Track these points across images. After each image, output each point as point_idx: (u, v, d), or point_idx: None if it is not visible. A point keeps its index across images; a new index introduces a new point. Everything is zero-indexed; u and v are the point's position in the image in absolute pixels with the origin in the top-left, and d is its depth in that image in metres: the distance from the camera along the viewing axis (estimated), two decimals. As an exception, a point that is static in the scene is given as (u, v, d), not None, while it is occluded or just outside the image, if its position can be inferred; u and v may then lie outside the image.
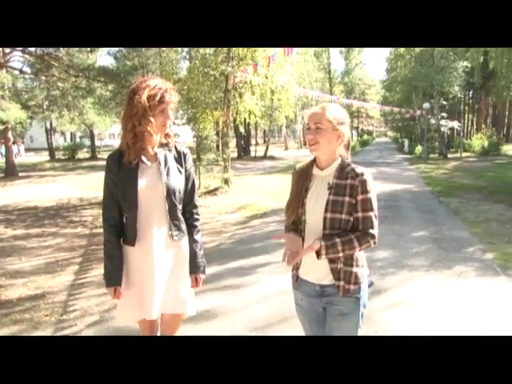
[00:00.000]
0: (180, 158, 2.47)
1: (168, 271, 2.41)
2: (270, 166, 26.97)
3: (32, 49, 11.57)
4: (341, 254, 2.04)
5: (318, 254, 2.03)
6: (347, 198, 2.05)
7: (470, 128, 48.68)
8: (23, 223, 9.85)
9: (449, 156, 29.65)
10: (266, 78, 12.16)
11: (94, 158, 36.10)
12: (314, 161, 2.22)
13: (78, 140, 44.89)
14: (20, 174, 22.07)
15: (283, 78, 12.50)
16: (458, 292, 4.71)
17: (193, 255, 2.51)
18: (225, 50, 12.36)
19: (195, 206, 2.58)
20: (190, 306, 2.53)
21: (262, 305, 4.29)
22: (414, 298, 4.51)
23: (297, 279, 2.26)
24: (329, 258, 2.05)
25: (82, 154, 38.65)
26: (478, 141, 32.68)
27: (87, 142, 42.08)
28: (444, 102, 32.17)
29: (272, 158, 34.73)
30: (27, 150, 49.07)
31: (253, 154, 36.33)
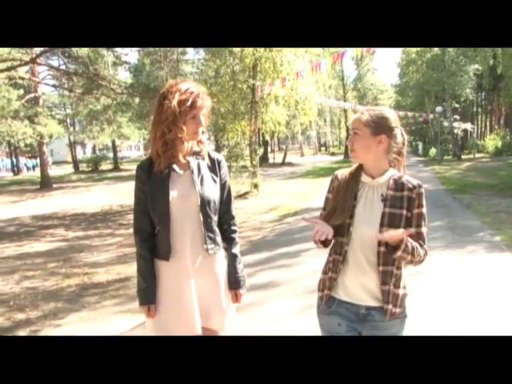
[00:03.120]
0: (214, 166, 2.30)
1: (204, 287, 2.24)
2: (289, 171, 28.08)
3: (75, 67, 12.79)
4: (409, 258, 1.88)
5: (397, 247, 1.84)
6: (404, 212, 1.91)
7: (483, 129, 49.02)
8: (79, 226, 11.02)
9: (462, 157, 30.28)
10: (292, 90, 13.33)
11: (116, 168, 37.15)
12: (360, 167, 2.04)
13: (98, 152, 46.26)
14: (54, 186, 23.50)
15: (306, 89, 13.68)
16: (469, 264, 5.78)
17: (232, 270, 2.34)
18: (251, 64, 13.53)
19: (232, 217, 2.40)
20: (230, 322, 2.33)
21: (312, 277, 5.30)
22: (433, 268, 5.54)
23: (329, 300, 2.03)
24: (401, 257, 1.87)
25: (106, 165, 39.87)
26: (492, 141, 33.18)
27: (107, 153, 43.52)
28: (456, 105, 32.93)
29: (290, 164, 35.84)
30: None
31: (271, 160, 37.39)
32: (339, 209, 1.96)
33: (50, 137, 18.50)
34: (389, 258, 1.91)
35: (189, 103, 2.12)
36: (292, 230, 8.88)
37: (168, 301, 2.23)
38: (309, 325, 3.89)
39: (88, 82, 10.59)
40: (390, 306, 1.93)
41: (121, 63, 22.81)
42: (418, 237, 1.93)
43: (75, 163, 39.13)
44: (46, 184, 22.79)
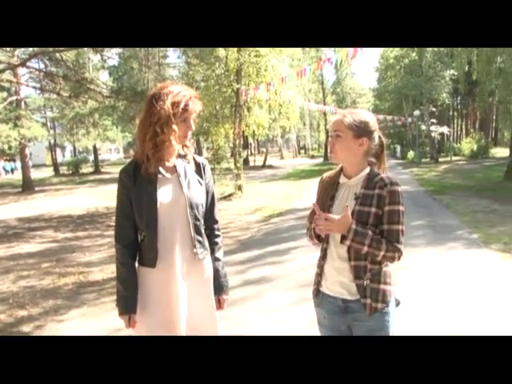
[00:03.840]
0: (199, 170, 2.28)
1: (194, 292, 2.20)
2: (270, 174, 28.43)
3: (62, 71, 12.88)
4: (365, 249, 1.90)
5: (344, 237, 1.92)
6: (373, 209, 1.95)
7: (459, 133, 50.01)
8: (67, 228, 11.08)
9: (440, 160, 30.84)
10: (276, 94, 13.64)
11: (97, 171, 36.94)
12: (341, 169, 2.12)
13: (78, 155, 45.76)
14: (36, 189, 23.24)
15: (290, 93, 14.02)
16: (449, 259, 6.13)
17: (216, 275, 2.31)
18: (235, 69, 13.80)
19: (216, 222, 2.38)
20: (216, 328, 2.30)
21: (303, 272, 5.60)
22: (416, 263, 5.90)
23: (317, 293, 2.14)
24: (352, 247, 1.94)
25: (86, 168, 39.53)
26: (468, 145, 33.75)
27: (87, 156, 43.17)
28: (433, 109, 33.57)
29: (271, 166, 36.17)
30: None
31: (251, 163, 37.62)
32: (319, 210, 2.00)
33: (36, 139, 18.45)
34: (360, 254, 1.95)
35: (182, 106, 2.09)
36: (279, 229, 9.18)
37: (156, 309, 2.16)
38: (303, 316, 4.19)
39: (76, 86, 10.70)
40: (369, 301, 1.96)
41: (105, 67, 22.92)
42: (389, 234, 1.95)
43: (55, 166, 38.72)
44: (28, 187, 22.61)
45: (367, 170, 2.05)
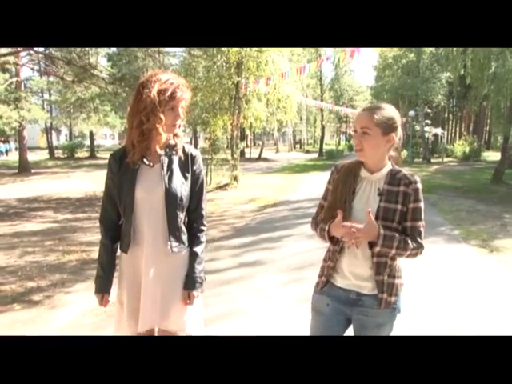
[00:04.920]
0: (187, 161, 2.23)
1: (163, 285, 2.18)
2: (265, 166, 28.80)
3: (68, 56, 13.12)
4: (393, 252, 1.91)
5: (373, 243, 1.90)
6: (399, 206, 1.94)
7: (453, 135, 50.33)
8: (67, 210, 11.37)
9: (432, 161, 31.31)
10: (275, 88, 14.01)
11: (92, 156, 36.98)
12: (360, 162, 2.06)
13: (74, 139, 45.73)
14: (32, 171, 23.34)
15: (289, 88, 14.40)
16: (430, 252, 6.55)
17: (190, 269, 2.25)
18: (235, 62, 14.13)
19: (201, 216, 2.30)
20: (190, 324, 2.25)
21: (294, 257, 6.03)
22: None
23: (326, 284, 2.11)
24: (381, 251, 1.92)
25: (81, 153, 39.52)
26: (460, 147, 34.16)
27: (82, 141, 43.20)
28: (428, 110, 34.02)
29: (266, 159, 36.52)
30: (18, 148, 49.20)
31: (247, 155, 37.93)
32: (338, 202, 1.99)
33: (35, 122, 18.67)
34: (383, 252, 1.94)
35: (168, 93, 2.07)
36: (273, 218, 9.61)
37: (127, 293, 2.21)
38: (293, 294, 4.61)
39: (80, 71, 10.95)
40: (385, 295, 1.99)
41: (103, 52, 23.08)
42: (413, 231, 1.97)
43: (51, 149, 38.74)
44: (24, 169, 22.76)
45: (389, 165, 2.03)
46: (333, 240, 2.04)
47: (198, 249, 2.27)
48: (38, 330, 3.99)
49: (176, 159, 2.20)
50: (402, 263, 2.09)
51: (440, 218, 9.54)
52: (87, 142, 41.31)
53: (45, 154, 38.94)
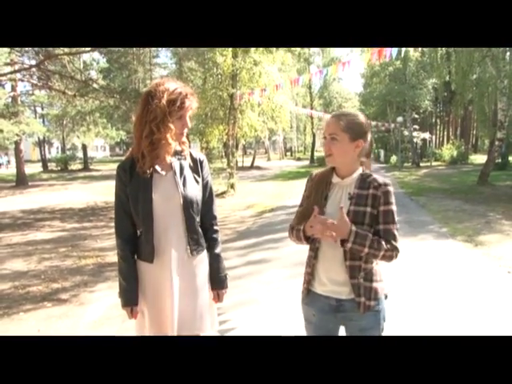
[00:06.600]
0: (196, 166, 2.28)
1: (186, 289, 2.22)
2: (259, 174, 29.41)
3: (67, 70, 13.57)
4: (366, 250, 1.89)
5: (344, 240, 1.89)
6: (369, 209, 1.95)
7: (440, 139, 50.87)
8: (72, 219, 11.71)
9: (421, 165, 31.92)
10: (269, 99, 14.61)
11: (86, 168, 36.88)
12: (333, 168, 2.09)
13: (67, 152, 45.83)
14: (29, 183, 23.53)
15: (282, 98, 15.03)
16: (421, 248, 7.18)
17: (214, 270, 2.34)
18: (230, 74, 14.70)
19: (214, 217, 2.38)
20: (210, 324, 2.34)
21: (296, 254, 6.45)
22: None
23: (308, 293, 2.13)
24: (352, 249, 1.91)
25: (75, 165, 39.48)
26: (448, 151, 34.56)
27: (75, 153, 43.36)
28: (416, 116, 34.66)
29: (259, 167, 37.19)
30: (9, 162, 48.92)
31: (240, 164, 38.36)
32: (311, 209, 1.98)
33: (32, 135, 19.02)
34: (355, 254, 1.94)
35: (178, 104, 2.09)
36: (272, 222, 10.17)
37: (154, 303, 2.21)
38: (298, 286, 5.07)
39: (81, 85, 11.40)
40: (363, 299, 1.97)
41: (94, 64, 23.60)
42: (386, 234, 1.96)
43: (44, 162, 38.87)
44: (21, 182, 23.01)
45: (360, 170, 2.05)
46: (308, 240, 2.08)
47: (217, 250, 2.37)
48: (73, 323, 4.46)
49: (186, 165, 2.24)
50: (386, 265, 2.08)
51: (429, 217, 10.17)
52: (79, 154, 41.42)
53: (38, 167, 38.74)
